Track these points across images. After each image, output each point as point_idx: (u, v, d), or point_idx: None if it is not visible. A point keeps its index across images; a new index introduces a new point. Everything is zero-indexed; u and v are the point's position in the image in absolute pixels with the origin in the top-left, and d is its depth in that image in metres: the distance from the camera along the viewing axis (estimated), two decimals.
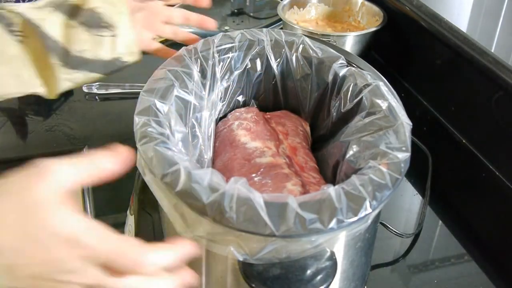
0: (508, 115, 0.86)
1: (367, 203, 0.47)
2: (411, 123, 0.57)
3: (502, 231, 0.81)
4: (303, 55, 0.68)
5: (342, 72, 0.65)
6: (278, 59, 0.69)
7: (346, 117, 0.64)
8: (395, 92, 0.62)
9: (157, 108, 0.55)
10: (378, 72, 0.65)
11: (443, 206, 0.84)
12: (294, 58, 0.68)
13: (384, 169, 0.50)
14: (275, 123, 0.69)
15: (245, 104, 0.73)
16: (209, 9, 1.24)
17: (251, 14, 1.31)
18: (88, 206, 0.82)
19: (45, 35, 0.61)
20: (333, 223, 0.45)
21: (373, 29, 1.05)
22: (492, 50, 0.89)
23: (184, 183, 0.47)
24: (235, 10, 1.32)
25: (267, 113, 0.72)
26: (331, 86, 0.67)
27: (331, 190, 0.47)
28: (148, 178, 0.51)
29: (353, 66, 0.66)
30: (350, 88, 0.63)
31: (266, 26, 1.24)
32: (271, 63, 0.69)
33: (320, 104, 0.69)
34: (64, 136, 0.94)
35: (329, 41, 1.01)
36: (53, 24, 0.62)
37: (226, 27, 1.25)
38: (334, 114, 0.66)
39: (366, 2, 1.15)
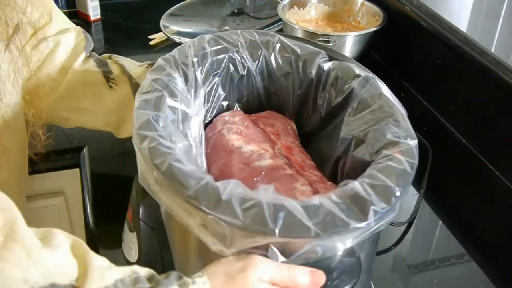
0: (508, 115, 0.86)
1: (395, 190, 0.48)
2: (405, 110, 0.58)
3: (502, 231, 0.81)
4: (281, 53, 0.68)
5: (326, 66, 0.65)
6: (257, 61, 0.68)
7: (335, 111, 0.64)
8: (384, 83, 0.62)
9: (155, 121, 0.53)
10: (363, 66, 0.65)
11: (443, 206, 0.84)
12: (272, 57, 0.68)
13: (400, 157, 0.51)
14: (263, 124, 0.69)
15: (229, 108, 0.72)
16: (209, 9, 1.24)
17: (251, 14, 1.30)
18: (88, 206, 0.82)
19: (135, 85, 0.74)
20: (370, 216, 0.45)
21: (373, 29, 1.05)
22: (492, 50, 0.89)
23: (216, 201, 0.46)
24: (235, 10, 1.32)
25: (252, 114, 0.71)
26: (315, 81, 0.66)
27: (355, 185, 0.48)
28: (161, 197, 0.49)
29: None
30: (338, 82, 0.63)
31: (266, 26, 1.24)
32: (249, 65, 0.68)
33: (304, 100, 0.69)
34: (64, 136, 0.94)
35: (329, 41, 1.01)
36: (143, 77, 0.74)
37: (226, 27, 1.25)
38: (323, 109, 0.66)
39: (366, 2, 1.15)
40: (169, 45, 1.22)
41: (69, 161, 0.93)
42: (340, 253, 0.50)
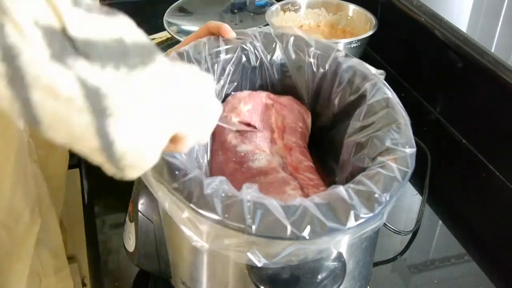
0: (508, 115, 0.86)
1: (380, 197, 0.47)
2: (409, 118, 0.57)
3: (502, 231, 0.81)
4: (296, 46, 0.68)
5: (344, 62, 0.65)
6: (270, 53, 0.68)
7: (348, 109, 0.64)
8: (391, 89, 0.62)
9: None
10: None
11: (443, 206, 0.84)
12: (286, 49, 0.68)
13: (392, 164, 0.51)
14: (276, 115, 0.68)
15: None
16: (208, 8, 1.23)
17: (251, 14, 1.30)
18: (88, 203, 0.82)
19: None
20: (350, 220, 0.45)
21: (364, 35, 1.03)
22: (492, 50, 0.89)
23: (198, 194, 0.46)
24: (235, 10, 1.31)
25: (272, 95, 0.70)
26: (331, 76, 0.66)
27: (340, 190, 0.48)
28: (156, 189, 0.51)
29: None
30: (354, 80, 0.63)
31: (266, 25, 1.24)
32: (263, 56, 0.68)
33: (318, 94, 0.69)
34: None
35: None
36: None
37: None
38: (336, 104, 0.66)
39: (358, 8, 1.14)
40: (170, 44, 1.22)
41: (69, 161, 0.93)
42: (323, 256, 0.49)
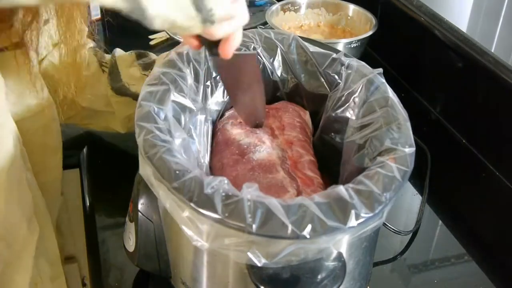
0: (508, 115, 0.86)
1: (380, 196, 0.48)
2: (408, 117, 0.58)
3: (502, 231, 0.81)
4: (297, 48, 0.68)
5: (341, 63, 0.65)
6: (272, 56, 0.69)
7: (345, 109, 0.64)
8: (390, 88, 0.62)
9: (156, 114, 0.54)
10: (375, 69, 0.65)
11: (443, 206, 0.84)
12: (288, 51, 0.68)
13: (392, 163, 0.51)
14: (272, 118, 0.69)
15: None
16: None
17: (251, 14, 1.30)
18: (88, 206, 0.82)
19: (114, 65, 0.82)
20: (351, 219, 0.45)
21: (364, 35, 1.03)
22: (492, 50, 0.89)
23: (199, 194, 0.47)
24: None
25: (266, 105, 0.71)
26: (330, 76, 0.67)
27: (340, 190, 0.48)
28: (157, 189, 0.51)
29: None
30: (350, 80, 0.64)
31: (264, 24, 1.23)
32: (265, 60, 0.69)
33: (318, 93, 0.69)
34: (64, 136, 0.94)
35: None
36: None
37: None
38: (336, 105, 0.66)
39: (358, 8, 1.14)
40: (170, 45, 1.22)
41: (69, 161, 0.93)
42: (323, 256, 0.50)
